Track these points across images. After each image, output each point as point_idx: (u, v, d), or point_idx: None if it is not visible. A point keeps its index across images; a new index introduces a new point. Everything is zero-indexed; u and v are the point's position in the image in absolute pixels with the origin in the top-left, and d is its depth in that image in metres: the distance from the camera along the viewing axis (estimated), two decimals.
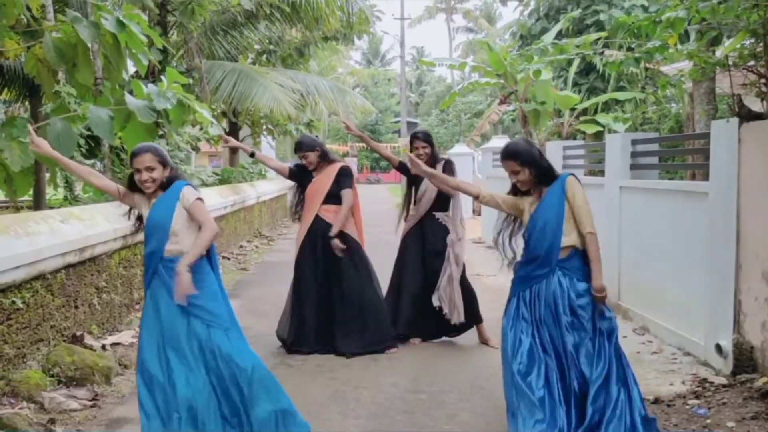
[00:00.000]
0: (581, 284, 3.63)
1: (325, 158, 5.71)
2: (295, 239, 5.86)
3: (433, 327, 5.91)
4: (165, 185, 3.63)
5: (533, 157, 3.67)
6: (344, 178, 5.65)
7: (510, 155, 3.68)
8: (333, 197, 5.60)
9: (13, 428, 3.93)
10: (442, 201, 5.79)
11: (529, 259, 3.76)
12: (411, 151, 5.70)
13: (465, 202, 13.49)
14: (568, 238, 3.65)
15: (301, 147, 5.70)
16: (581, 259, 3.67)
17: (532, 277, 3.72)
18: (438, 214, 5.80)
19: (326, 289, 5.64)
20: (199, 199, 3.59)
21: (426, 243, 5.82)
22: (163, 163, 3.60)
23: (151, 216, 3.61)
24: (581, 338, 3.61)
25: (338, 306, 5.63)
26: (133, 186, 3.70)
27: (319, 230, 5.61)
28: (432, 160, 5.66)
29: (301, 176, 5.83)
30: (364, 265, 5.72)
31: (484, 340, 5.89)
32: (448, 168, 5.61)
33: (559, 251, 3.65)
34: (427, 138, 5.73)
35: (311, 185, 5.69)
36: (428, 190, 5.76)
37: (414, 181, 5.90)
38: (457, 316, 5.70)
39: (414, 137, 5.75)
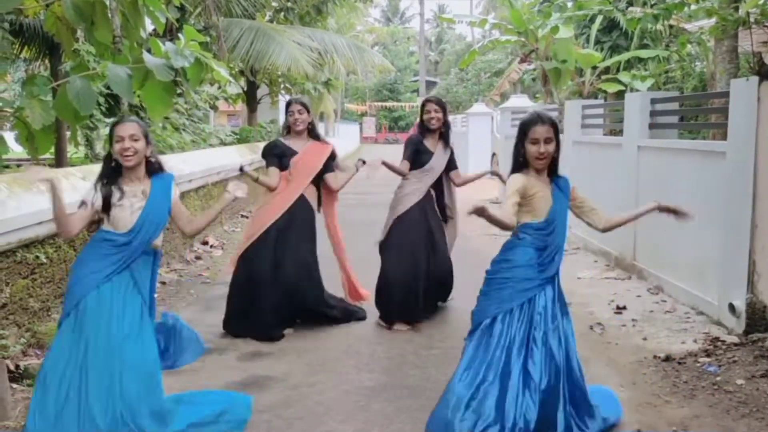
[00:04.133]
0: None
1: (313, 131, 5.34)
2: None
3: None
4: (148, 170, 3.40)
5: (559, 136, 3.44)
6: (332, 162, 5.34)
7: (551, 121, 3.38)
8: (317, 179, 5.29)
9: None
10: (438, 182, 5.55)
11: (546, 253, 3.40)
12: (422, 115, 5.44)
13: (482, 161, 13.44)
14: None
15: (297, 101, 5.28)
16: None
17: (542, 280, 3.38)
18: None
19: (282, 265, 5.16)
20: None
21: (429, 220, 5.48)
22: (147, 138, 3.33)
23: (147, 210, 3.32)
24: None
25: (295, 278, 5.17)
26: (108, 176, 3.34)
27: (298, 210, 5.20)
28: (444, 127, 5.46)
29: (281, 153, 5.27)
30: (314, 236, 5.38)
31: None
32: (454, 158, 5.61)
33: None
34: (440, 103, 5.47)
35: (301, 156, 5.22)
36: (435, 169, 5.47)
37: (417, 155, 5.46)
38: None
39: (427, 101, 5.50)
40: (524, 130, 3.40)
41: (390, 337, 5.12)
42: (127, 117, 3.47)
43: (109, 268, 3.25)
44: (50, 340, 4.47)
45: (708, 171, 5.50)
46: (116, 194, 3.30)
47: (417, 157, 5.44)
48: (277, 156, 5.26)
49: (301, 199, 5.23)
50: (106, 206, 3.28)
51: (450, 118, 5.66)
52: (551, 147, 3.37)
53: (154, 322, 3.48)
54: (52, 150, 10.34)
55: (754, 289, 4.85)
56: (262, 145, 6.35)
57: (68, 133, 10.75)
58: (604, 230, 3.62)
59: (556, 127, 3.39)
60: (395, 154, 6.09)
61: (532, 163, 3.41)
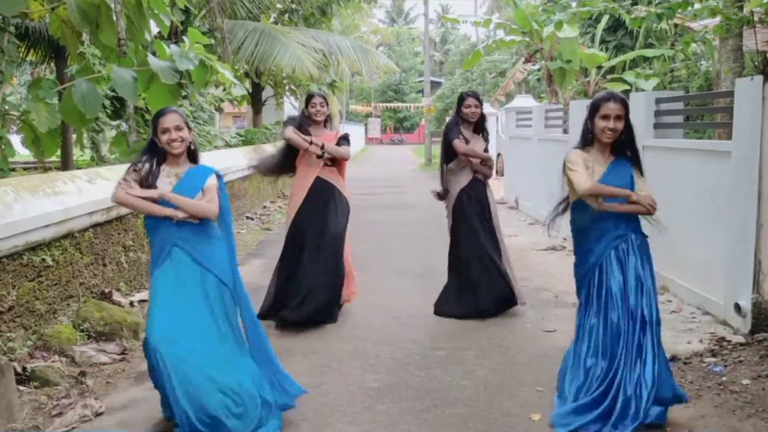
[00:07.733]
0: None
1: (329, 121, 5.69)
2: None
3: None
4: (189, 155, 3.59)
5: (629, 117, 3.62)
6: (344, 141, 5.63)
7: (622, 100, 3.56)
8: (333, 161, 5.59)
9: (46, 380, 4.10)
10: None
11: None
12: (462, 108, 5.71)
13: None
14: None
15: (319, 95, 5.65)
16: None
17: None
18: (478, 175, 5.77)
19: (317, 250, 5.47)
20: (218, 187, 3.57)
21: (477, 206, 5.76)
22: (188, 126, 3.53)
23: (177, 191, 3.48)
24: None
25: (318, 266, 5.42)
26: (151, 152, 3.53)
27: (319, 190, 5.53)
28: (481, 120, 5.82)
29: (299, 126, 5.61)
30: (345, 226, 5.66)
31: None
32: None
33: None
34: (478, 97, 5.83)
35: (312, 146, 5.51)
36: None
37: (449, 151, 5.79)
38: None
39: (466, 95, 5.81)
40: (596, 105, 3.57)
41: (395, 338, 5.12)
42: (167, 107, 3.61)
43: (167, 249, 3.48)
44: (57, 343, 4.51)
45: (713, 171, 5.48)
46: (154, 175, 3.49)
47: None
48: (296, 125, 5.59)
49: (321, 181, 5.54)
50: (144, 185, 3.47)
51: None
52: (620, 125, 3.53)
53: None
54: (58, 153, 10.38)
55: (760, 289, 4.84)
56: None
57: (74, 136, 10.81)
58: None
59: (627, 108, 3.55)
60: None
61: (599, 136, 3.58)
